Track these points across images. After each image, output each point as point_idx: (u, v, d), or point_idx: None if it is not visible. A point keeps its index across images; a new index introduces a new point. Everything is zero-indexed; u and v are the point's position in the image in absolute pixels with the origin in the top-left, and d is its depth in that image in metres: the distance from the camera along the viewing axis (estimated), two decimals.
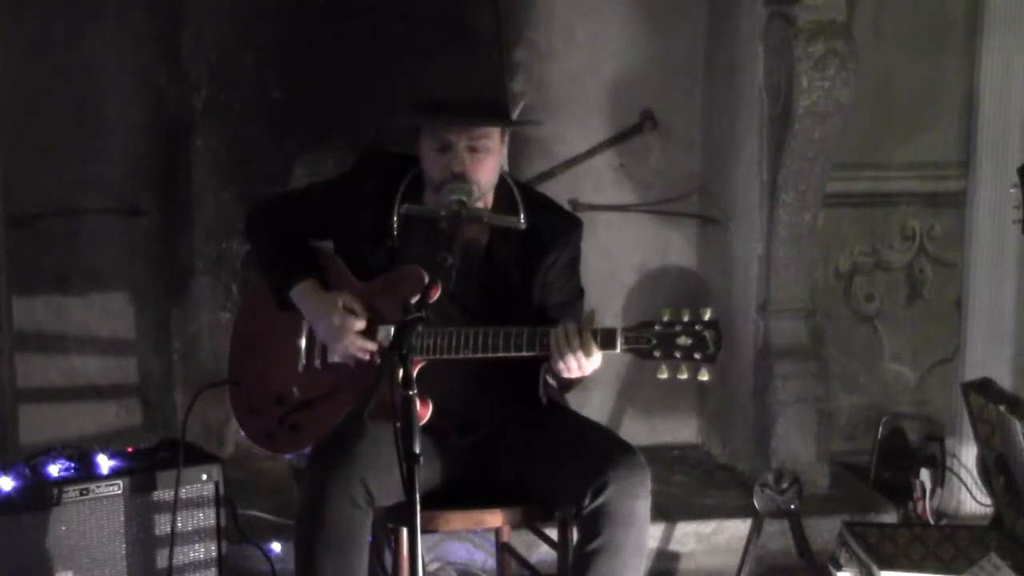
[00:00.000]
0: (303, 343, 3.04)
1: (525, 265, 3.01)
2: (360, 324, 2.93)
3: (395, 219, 2.99)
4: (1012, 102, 4.32)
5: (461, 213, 2.83)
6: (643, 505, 2.84)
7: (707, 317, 2.66)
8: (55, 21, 4.09)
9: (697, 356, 2.65)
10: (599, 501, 2.80)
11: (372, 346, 2.92)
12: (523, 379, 2.98)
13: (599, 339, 2.71)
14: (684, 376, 2.66)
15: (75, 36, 4.11)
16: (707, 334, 2.65)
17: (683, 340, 2.65)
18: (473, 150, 2.90)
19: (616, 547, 2.81)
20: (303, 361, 3.04)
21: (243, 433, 3.13)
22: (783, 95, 3.91)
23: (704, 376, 2.65)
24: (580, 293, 3.12)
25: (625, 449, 2.89)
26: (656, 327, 2.67)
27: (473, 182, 2.89)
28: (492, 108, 2.95)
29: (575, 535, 2.92)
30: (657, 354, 2.67)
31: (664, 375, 2.67)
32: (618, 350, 2.70)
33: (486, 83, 3.02)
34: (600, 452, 2.87)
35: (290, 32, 4.25)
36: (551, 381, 2.93)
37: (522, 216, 2.98)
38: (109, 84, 4.16)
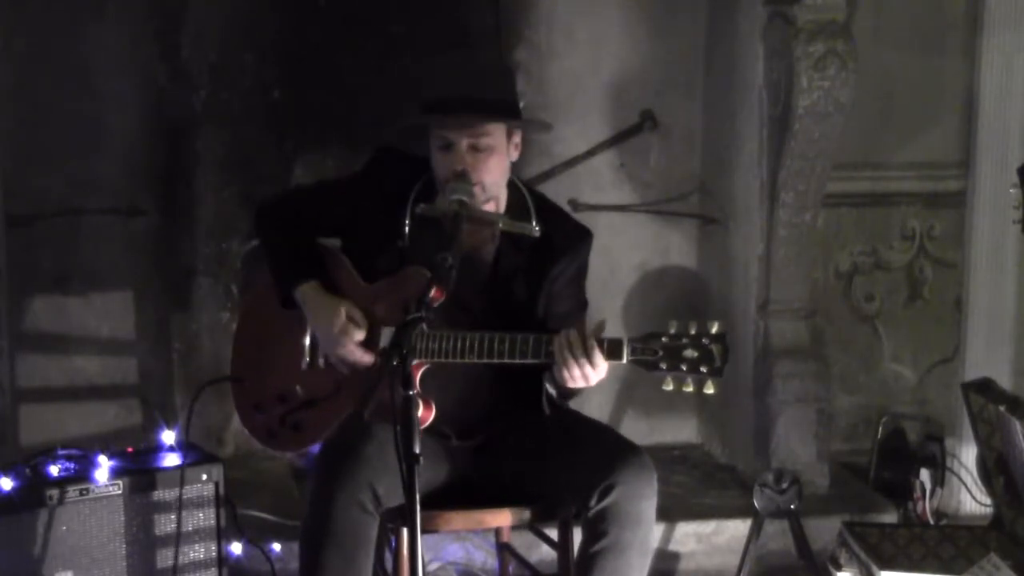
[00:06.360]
0: (307, 342, 3.03)
1: (533, 274, 2.99)
2: (360, 335, 2.91)
3: (407, 220, 2.97)
4: (1012, 102, 4.32)
5: (461, 213, 2.81)
6: (649, 506, 2.84)
7: (714, 330, 2.63)
8: (55, 21, 4.09)
9: (703, 370, 2.61)
10: (606, 502, 2.80)
11: (369, 359, 2.90)
12: (525, 384, 2.95)
13: (605, 349, 2.68)
14: (689, 389, 2.63)
15: (75, 36, 4.11)
16: (714, 348, 2.61)
17: (689, 353, 2.62)
18: (475, 148, 2.88)
19: (622, 547, 2.81)
20: (307, 359, 3.03)
21: (245, 429, 3.13)
22: (783, 95, 3.91)
23: (710, 390, 2.61)
24: (584, 305, 3.10)
25: (633, 450, 2.88)
26: (663, 339, 2.64)
27: (475, 182, 2.87)
28: (494, 106, 2.92)
29: (577, 536, 2.92)
30: (663, 366, 2.64)
31: (669, 387, 2.64)
32: (624, 360, 2.68)
33: (492, 82, 2.99)
34: (608, 453, 2.86)
35: (290, 32, 4.25)
36: (551, 390, 2.90)
37: (536, 224, 2.96)
38: (109, 84, 4.16)
